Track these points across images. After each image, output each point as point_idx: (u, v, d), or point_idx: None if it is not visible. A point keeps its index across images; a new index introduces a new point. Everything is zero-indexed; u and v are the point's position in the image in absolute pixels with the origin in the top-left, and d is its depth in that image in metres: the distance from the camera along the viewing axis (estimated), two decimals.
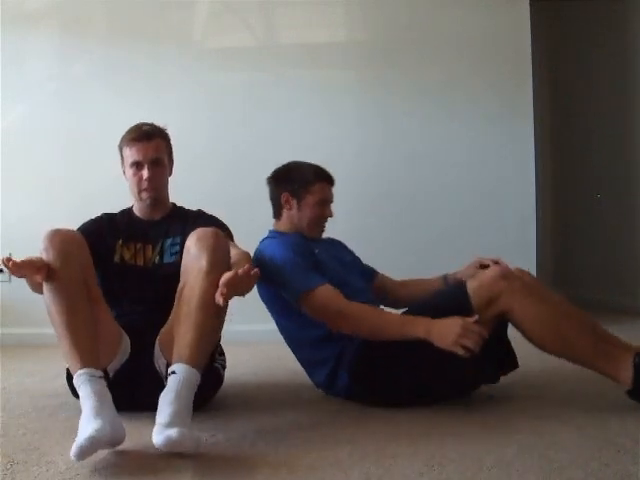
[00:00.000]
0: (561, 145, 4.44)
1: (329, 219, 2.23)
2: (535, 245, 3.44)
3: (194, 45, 3.51)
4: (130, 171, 1.99)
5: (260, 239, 2.19)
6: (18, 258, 1.60)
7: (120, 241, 2.01)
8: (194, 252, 1.68)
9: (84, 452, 1.39)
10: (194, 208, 2.18)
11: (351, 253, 2.36)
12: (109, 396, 1.57)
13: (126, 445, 1.60)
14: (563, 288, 3.74)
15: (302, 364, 2.17)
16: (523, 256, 3.37)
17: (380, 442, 1.63)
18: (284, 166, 2.23)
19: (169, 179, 2.11)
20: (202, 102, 3.40)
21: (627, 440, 1.57)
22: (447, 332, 1.77)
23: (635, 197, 3.85)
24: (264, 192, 2.26)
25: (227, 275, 1.58)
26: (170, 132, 2.11)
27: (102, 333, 1.73)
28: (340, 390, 2.05)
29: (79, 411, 1.53)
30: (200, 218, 2.07)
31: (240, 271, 1.57)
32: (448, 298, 1.97)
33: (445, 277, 2.26)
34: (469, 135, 3.45)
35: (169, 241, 2.02)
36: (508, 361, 1.99)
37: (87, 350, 1.60)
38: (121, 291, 1.96)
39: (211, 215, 2.12)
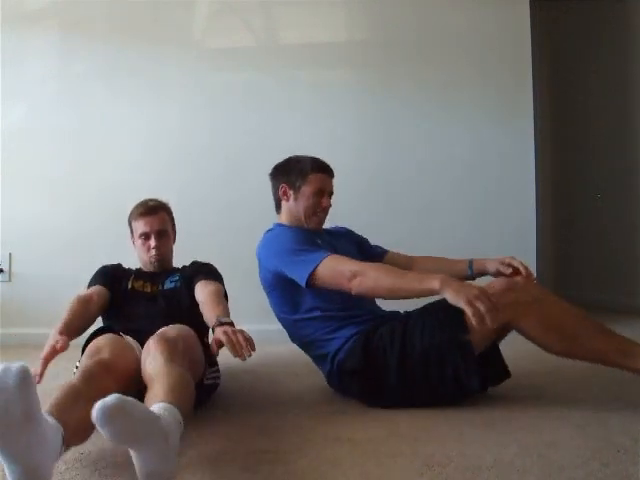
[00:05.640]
0: (561, 145, 4.44)
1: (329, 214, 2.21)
2: (535, 245, 3.44)
3: (194, 45, 3.51)
4: (139, 241, 2.27)
5: (260, 239, 2.19)
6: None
7: (132, 276, 2.27)
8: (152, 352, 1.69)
9: None
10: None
11: (355, 240, 2.34)
12: None
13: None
14: (563, 288, 3.74)
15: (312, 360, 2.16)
16: (523, 256, 3.32)
17: (380, 442, 1.63)
18: (284, 160, 2.24)
19: (173, 247, 2.35)
20: (202, 102, 3.39)
21: (627, 440, 1.57)
22: (464, 289, 1.69)
23: (635, 197, 3.85)
24: (264, 192, 2.26)
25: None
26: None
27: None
28: (337, 388, 2.06)
29: None
30: (195, 263, 2.33)
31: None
32: (444, 310, 1.89)
33: (471, 261, 2.18)
34: (469, 135, 3.45)
35: (169, 278, 2.26)
36: (499, 371, 1.96)
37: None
38: (132, 309, 2.15)
39: (205, 262, 2.31)
